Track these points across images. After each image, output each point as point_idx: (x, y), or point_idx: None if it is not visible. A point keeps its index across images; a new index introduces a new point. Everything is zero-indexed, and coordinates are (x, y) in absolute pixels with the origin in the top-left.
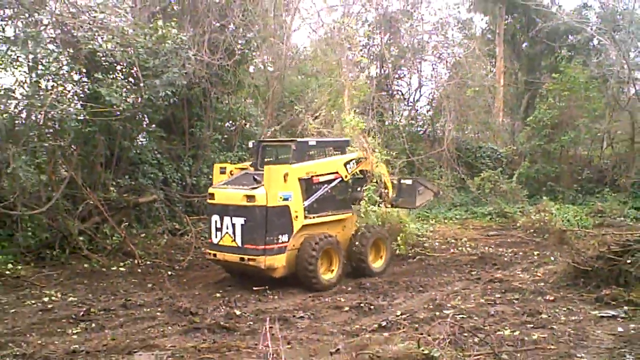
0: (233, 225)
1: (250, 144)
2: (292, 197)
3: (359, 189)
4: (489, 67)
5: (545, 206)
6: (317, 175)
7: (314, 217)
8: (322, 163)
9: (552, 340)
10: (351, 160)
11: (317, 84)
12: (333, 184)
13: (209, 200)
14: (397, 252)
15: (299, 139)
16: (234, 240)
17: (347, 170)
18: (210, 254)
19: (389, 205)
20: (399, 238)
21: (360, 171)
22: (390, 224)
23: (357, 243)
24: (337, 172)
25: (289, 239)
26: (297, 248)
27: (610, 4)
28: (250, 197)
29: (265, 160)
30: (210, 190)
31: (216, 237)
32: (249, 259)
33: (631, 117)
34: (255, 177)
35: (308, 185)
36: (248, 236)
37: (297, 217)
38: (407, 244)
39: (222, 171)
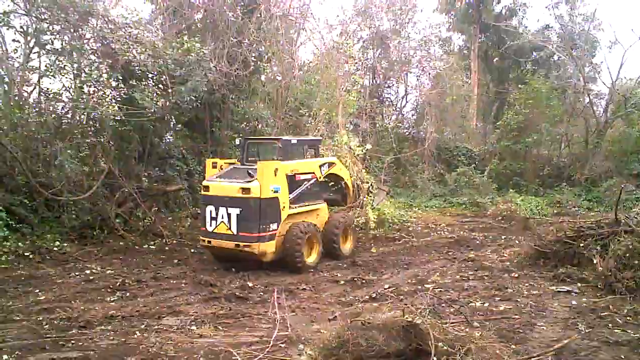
0: (229, 215)
1: (237, 141)
2: (281, 190)
3: (330, 193)
4: (465, 78)
5: (511, 198)
6: (299, 173)
7: (295, 207)
8: (303, 163)
9: (516, 311)
10: (324, 163)
11: (317, 97)
12: (310, 182)
13: (203, 192)
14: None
15: (284, 137)
16: (229, 228)
17: (321, 172)
18: (204, 241)
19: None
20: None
21: (332, 174)
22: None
23: (331, 230)
24: (313, 173)
25: (277, 227)
26: (284, 235)
27: (569, 25)
28: (246, 190)
29: (249, 156)
30: (205, 183)
31: (211, 225)
32: (244, 246)
33: (585, 122)
34: (249, 171)
35: (292, 181)
36: (243, 224)
37: (284, 207)
38: (390, 228)
39: (214, 165)
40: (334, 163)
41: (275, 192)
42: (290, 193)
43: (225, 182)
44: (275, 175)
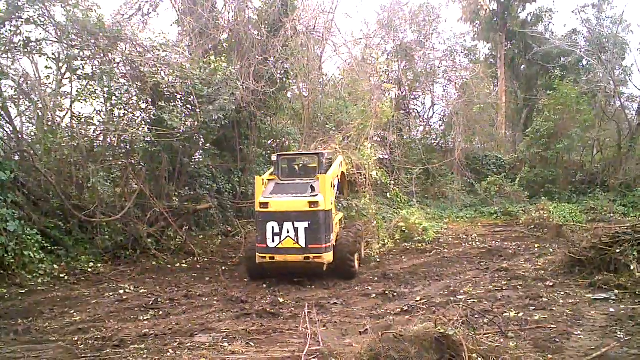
0: (296, 229)
1: (273, 157)
2: (333, 201)
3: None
4: (492, 87)
5: (544, 205)
6: (334, 178)
7: (334, 218)
8: (335, 168)
9: (552, 320)
10: (339, 164)
11: (347, 110)
12: (336, 185)
13: (261, 209)
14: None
15: (320, 151)
16: (297, 242)
17: (339, 171)
18: (265, 257)
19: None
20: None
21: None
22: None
23: (354, 237)
24: (338, 175)
25: (333, 237)
26: (334, 244)
27: (597, 29)
28: (314, 203)
29: (285, 171)
30: (262, 200)
31: (273, 241)
32: (314, 257)
33: (617, 126)
34: (313, 185)
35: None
36: (313, 237)
37: (333, 218)
38: (423, 240)
39: (263, 182)
40: (342, 161)
41: (331, 204)
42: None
43: (285, 198)
44: (332, 187)
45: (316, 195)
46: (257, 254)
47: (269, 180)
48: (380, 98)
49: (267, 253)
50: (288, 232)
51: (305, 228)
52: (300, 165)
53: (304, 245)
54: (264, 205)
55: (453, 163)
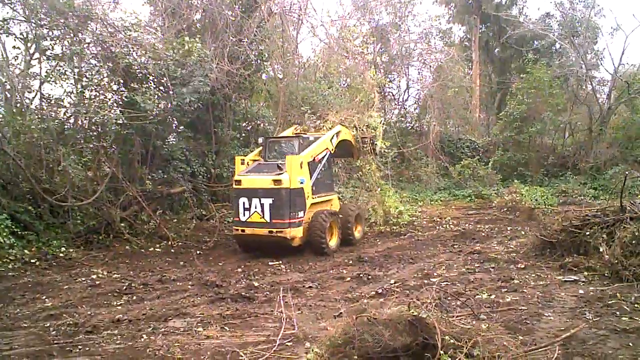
0: (262, 204)
1: (260, 140)
2: (305, 181)
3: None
4: (467, 70)
5: (516, 188)
6: (317, 155)
7: (315, 197)
8: (318, 144)
9: (523, 302)
10: (333, 135)
11: (323, 92)
12: (326, 158)
13: (235, 186)
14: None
15: (303, 135)
16: (263, 217)
17: (332, 144)
18: (238, 230)
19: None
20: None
21: (341, 141)
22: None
23: (345, 218)
24: (327, 148)
25: (304, 214)
26: (308, 222)
27: (570, 13)
28: (277, 181)
29: (270, 153)
30: (237, 177)
31: (244, 215)
32: (277, 232)
33: (589, 110)
34: (279, 165)
35: (312, 166)
36: (275, 213)
37: (308, 196)
38: (399, 224)
39: (242, 162)
40: (339, 131)
41: (301, 183)
42: (311, 177)
43: (256, 176)
44: (301, 167)
45: (281, 174)
46: (233, 226)
47: (253, 160)
48: (365, 72)
49: (240, 226)
50: (255, 207)
51: (270, 204)
52: (284, 146)
53: (268, 220)
54: (238, 182)
55: (427, 146)
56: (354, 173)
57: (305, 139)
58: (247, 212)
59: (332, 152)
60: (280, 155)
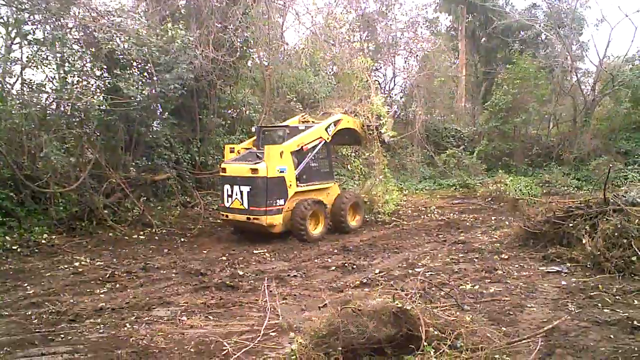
0: (241, 192)
1: (253, 129)
2: (287, 170)
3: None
4: (453, 59)
5: (500, 178)
6: (306, 144)
7: (303, 186)
8: (308, 133)
9: (506, 292)
10: (329, 124)
11: (309, 80)
12: (318, 148)
13: (221, 173)
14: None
15: (291, 125)
16: (242, 204)
17: (328, 133)
18: (223, 215)
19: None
20: (381, 207)
21: (342, 129)
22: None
23: (338, 206)
24: (320, 137)
25: (284, 203)
26: (291, 210)
27: (556, 3)
28: (254, 170)
29: (264, 141)
30: (223, 165)
31: (227, 202)
32: (253, 218)
33: (573, 101)
34: (258, 154)
35: (299, 155)
36: (252, 200)
37: (290, 185)
38: (386, 213)
39: (232, 150)
40: (339, 120)
41: (281, 172)
42: (299, 164)
43: (238, 164)
44: (281, 157)
45: (258, 163)
46: (220, 212)
47: (245, 149)
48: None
49: (224, 211)
50: (236, 194)
51: (247, 192)
52: (275, 136)
53: (246, 207)
54: (223, 169)
55: (413, 135)
56: (360, 160)
57: (294, 128)
58: (229, 199)
59: (328, 140)
60: (269, 143)
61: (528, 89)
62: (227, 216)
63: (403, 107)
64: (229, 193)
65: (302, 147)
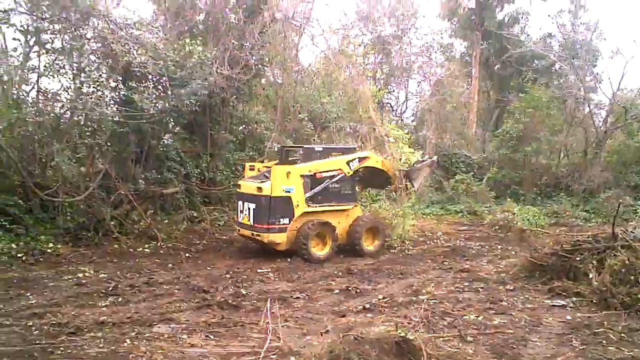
0: (249, 209)
1: (276, 148)
2: (294, 190)
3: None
4: (466, 85)
5: (509, 207)
6: (321, 172)
7: (315, 206)
8: (325, 162)
9: (510, 325)
10: (354, 159)
11: (322, 100)
12: (336, 178)
13: (237, 190)
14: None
15: (305, 146)
16: (249, 220)
17: (349, 167)
18: (237, 229)
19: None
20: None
21: (368, 167)
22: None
23: (353, 229)
24: (339, 169)
25: (289, 222)
26: (298, 229)
27: (571, 35)
28: (259, 189)
29: (282, 160)
30: (239, 182)
31: (240, 217)
32: (256, 235)
33: (585, 132)
34: (266, 174)
35: (312, 180)
36: (257, 217)
37: (297, 205)
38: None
39: (251, 168)
40: (366, 157)
41: (287, 192)
42: (311, 189)
43: (249, 182)
44: (288, 177)
45: (263, 182)
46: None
47: (266, 167)
48: (363, 83)
49: (237, 226)
50: (246, 210)
51: (253, 209)
52: (294, 155)
53: (252, 224)
54: (238, 186)
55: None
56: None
57: (308, 149)
58: (241, 214)
59: (349, 174)
60: (288, 163)
61: (540, 118)
62: (239, 230)
63: (414, 131)
64: (241, 209)
65: (315, 173)
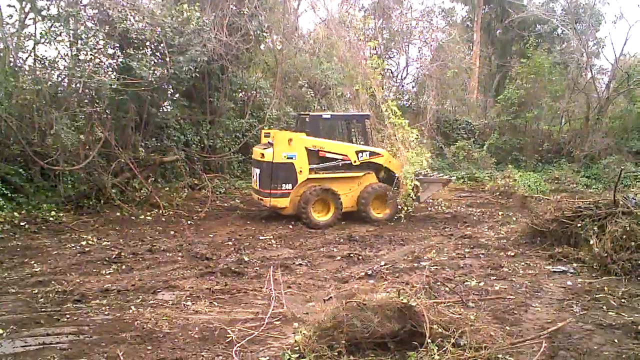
0: (257, 174)
1: (292, 115)
2: (297, 157)
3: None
4: (467, 50)
5: (509, 173)
6: (325, 151)
7: (321, 173)
8: (331, 143)
9: (511, 291)
10: (365, 151)
11: (322, 67)
12: (340, 163)
13: (252, 156)
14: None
15: (311, 113)
16: (257, 184)
17: (357, 157)
18: (252, 194)
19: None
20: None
21: (377, 164)
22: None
23: (361, 196)
24: (345, 155)
25: (292, 187)
26: (301, 195)
27: None
28: (262, 155)
29: (297, 128)
30: (253, 148)
31: (252, 181)
32: (260, 199)
33: (587, 98)
34: (270, 141)
35: (314, 155)
36: (261, 182)
37: (301, 171)
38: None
39: (267, 135)
40: (378, 154)
41: (289, 158)
42: (312, 164)
43: (258, 148)
44: (289, 144)
45: (266, 148)
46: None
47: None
48: (363, 54)
49: (252, 191)
50: (255, 175)
51: (258, 174)
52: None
53: (258, 188)
54: (253, 152)
55: (424, 126)
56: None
57: (315, 116)
58: (253, 179)
59: (354, 164)
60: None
61: (542, 83)
62: (252, 195)
63: (415, 97)
64: (253, 174)
65: (318, 150)
